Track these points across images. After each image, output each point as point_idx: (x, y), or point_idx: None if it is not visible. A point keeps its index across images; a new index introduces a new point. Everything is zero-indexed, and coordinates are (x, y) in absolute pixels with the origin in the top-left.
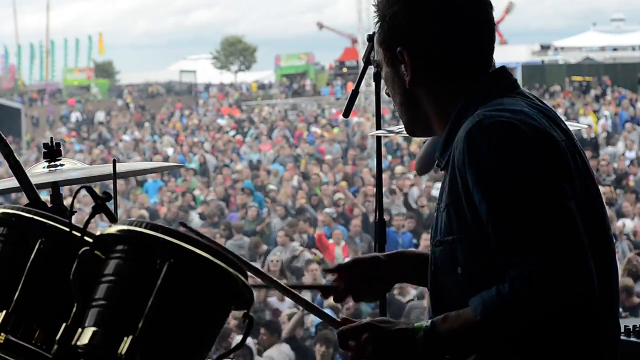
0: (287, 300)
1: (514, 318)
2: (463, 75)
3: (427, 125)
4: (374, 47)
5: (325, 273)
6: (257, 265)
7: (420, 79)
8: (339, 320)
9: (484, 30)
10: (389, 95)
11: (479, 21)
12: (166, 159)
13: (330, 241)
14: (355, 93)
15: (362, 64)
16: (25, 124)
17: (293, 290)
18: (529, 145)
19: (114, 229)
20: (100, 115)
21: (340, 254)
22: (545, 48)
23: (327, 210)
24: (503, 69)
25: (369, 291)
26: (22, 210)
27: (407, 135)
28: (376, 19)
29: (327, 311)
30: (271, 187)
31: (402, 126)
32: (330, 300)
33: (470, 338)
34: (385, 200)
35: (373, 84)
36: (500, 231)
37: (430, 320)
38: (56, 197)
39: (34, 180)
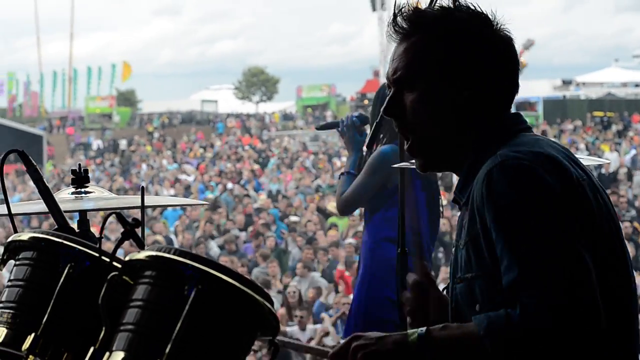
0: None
1: (518, 340)
2: (489, 112)
3: (453, 158)
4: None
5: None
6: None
7: (476, 109)
8: (329, 350)
9: (514, 65)
10: (405, 130)
11: (513, 61)
12: (187, 187)
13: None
14: (378, 125)
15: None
16: (47, 150)
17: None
18: (545, 189)
19: (142, 254)
20: (122, 144)
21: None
22: (567, 83)
23: (350, 240)
24: (519, 114)
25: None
26: (52, 235)
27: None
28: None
29: None
30: (292, 218)
31: None
32: None
33: (467, 351)
34: None
35: None
36: (511, 268)
37: (425, 327)
38: (83, 223)
39: (61, 207)
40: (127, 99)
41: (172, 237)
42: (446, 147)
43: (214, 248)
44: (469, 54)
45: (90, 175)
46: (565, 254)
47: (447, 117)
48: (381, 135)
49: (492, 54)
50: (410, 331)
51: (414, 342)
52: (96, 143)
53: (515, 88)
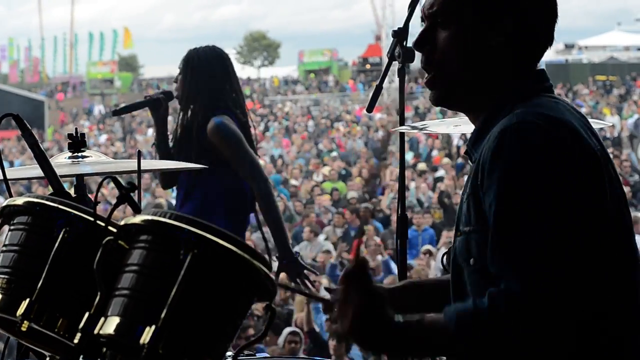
0: None
1: (489, 335)
2: (505, 67)
3: (472, 102)
4: (400, 43)
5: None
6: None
7: (508, 57)
8: (328, 299)
9: (554, 23)
10: (431, 67)
11: (553, 13)
12: None
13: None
14: (379, 88)
15: (385, 61)
16: (49, 116)
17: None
18: (561, 159)
19: (137, 218)
20: None
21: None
22: (569, 47)
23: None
24: (544, 71)
25: None
26: (47, 200)
27: (430, 131)
28: None
29: None
30: (293, 182)
31: (425, 123)
32: None
33: (442, 347)
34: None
35: (396, 80)
36: (499, 237)
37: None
38: (80, 188)
39: (58, 171)
40: (128, 64)
41: (174, 202)
42: (468, 90)
43: None
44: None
45: (92, 141)
46: (560, 238)
47: (476, 61)
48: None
49: (534, 2)
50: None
51: (398, 320)
52: (98, 108)
53: (550, 42)
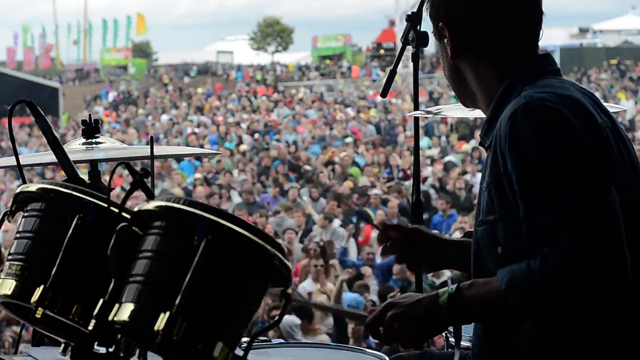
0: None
1: (538, 293)
2: (507, 54)
3: (474, 100)
4: (413, 27)
5: (385, 229)
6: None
7: (461, 55)
8: (364, 313)
9: (528, 10)
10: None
11: (521, 1)
12: (203, 138)
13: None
14: (392, 73)
15: (399, 46)
16: (63, 103)
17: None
18: (572, 133)
19: (151, 205)
20: (136, 95)
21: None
22: (583, 31)
23: (376, 191)
24: (549, 54)
25: (417, 260)
26: (61, 186)
27: (444, 115)
28: None
29: None
30: (307, 167)
31: (441, 107)
32: None
33: (494, 307)
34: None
35: (411, 65)
36: (534, 214)
37: (456, 285)
38: (94, 174)
39: (72, 157)
40: (142, 50)
41: (190, 188)
42: (463, 93)
43: (235, 198)
44: (440, 5)
45: (106, 127)
46: (592, 200)
47: (447, 70)
48: None
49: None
50: (441, 291)
51: (444, 304)
52: (111, 95)
53: (535, 29)
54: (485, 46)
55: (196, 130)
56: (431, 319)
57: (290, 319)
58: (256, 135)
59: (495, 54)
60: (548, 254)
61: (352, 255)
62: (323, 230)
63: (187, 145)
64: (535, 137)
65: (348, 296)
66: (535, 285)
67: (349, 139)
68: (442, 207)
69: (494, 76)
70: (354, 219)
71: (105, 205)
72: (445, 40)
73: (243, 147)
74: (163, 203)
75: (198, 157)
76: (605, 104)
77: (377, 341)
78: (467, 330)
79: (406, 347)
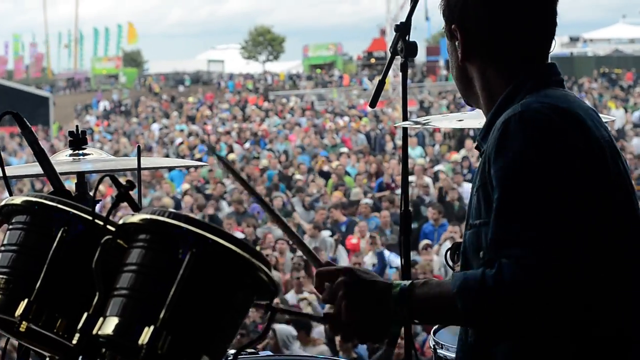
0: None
1: (488, 302)
2: (516, 61)
3: (477, 101)
4: (402, 37)
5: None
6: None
7: (471, 57)
8: (321, 261)
9: (542, 19)
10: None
11: (535, 9)
12: (193, 148)
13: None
14: (381, 83)
15: (390, 55)
16: (54, 112)
17: (284, 219)
18: (563, 147)
19: (136, 217)
20: (127, 105)
21: (365, 246)
22: (574, 40)
23: (366, 200)
24: (554, 64)
25: None
26: (45, 199)
27: (433, 126)
28: None
29: None
30: (297, 177)
31: (429, 117)
32: None
33: (442, 309)
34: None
35: (400, 74)
36: (500, 221)
37: (411, 281)
38: (81, 185)
39: (59, 169)
40: (133, 59)
41: (179, 197)
42: (467, 94)
43: (225, 208)
44: (454, 5)
45: (97, 136)
46: (563, 221)
47: (454, 70)
48: None
49: (515, 6)
50: (395, 282)
51: (395, 296)
52: (102, 104)
53: (546, 39)
54: (495, 51)
55: (187, 139)
56: (379, 306)
57: (287, 330)
58: (247, 145)
59: (504, 59)
60: (506, 266)
61: (343, 263)
62: (312, 240)
63: (178, 154)
64: (523, 145)
65: None
66: (486, 293)
67: (344, 149)
68: (434, 216)
69: (500, 81)
70: (343, 228)
71: (90, 218)
72: (457, 42)
73: (232, 156)
74: (148, 216)
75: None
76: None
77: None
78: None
79: (345, 323)
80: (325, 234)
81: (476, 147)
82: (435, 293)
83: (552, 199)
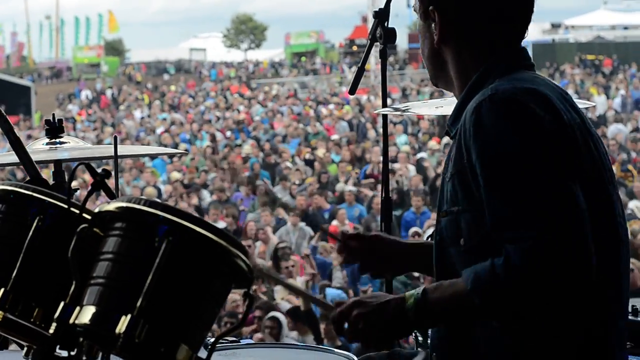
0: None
1: (504, 291)
2: (490, 45)
3: (449, 83)
4: (381, 24)
5: (344, 239)
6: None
7: (447, 40)
8: (331, 304)
9: (521, 4)
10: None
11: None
12: (175, 136)
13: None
14: (361, 70)
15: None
16: (36, 102)
17: (288, 282)
18: (537, 126)
19: (112, 206)
20: (109, 94)
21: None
22: (555, 27)
23: (349, 187)
24: (524, 49)
25: (378, 267)
26: (21, 187)
27: (413, 112)
28: None
29: None
30: (282, 165)
31: (409, 104)
32: None
33: (460, 308)
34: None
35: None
36: (496, 206)
37: (422, 288)
38: (58, 174)
39: (36, 157)
40: (114, 48)
41: (161, 186)
42: (438, 75)
43: (206, 197)
44: None
45: (79, 125)
46: (555, 193)
47: (427, 51)
48: None
49: None
50: (407, 294)
51: (411, 308)
52: (84, 93)
53: (522, 24)
54: (472, 34)
55: (169, 128)
56: (397, 321)
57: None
58: (229, 133)
59: (481, 42)
60: (511, 250)
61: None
62: (293, 229)
63: (160, 143)
64: (499, 128)
65: (332, 292)
66: (499, 282)
67: (332, 137)
68: (417, 204)
69: (475, 65)
70: (326, 215)
71: (66, 206)
72: (433, 25)
73: (206, 144)
74: (123, 204)
75: (171, 155)
76: (576, 101)
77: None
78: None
79: (371, 347)
80: (303, 224)
81: (446, 133)
82: (449, 294)
83: (534, 175)
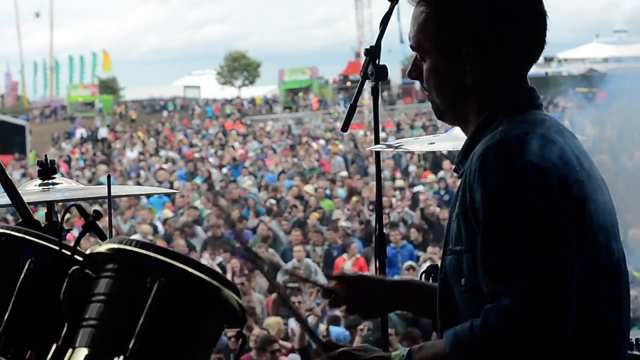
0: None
1: (481, 353)
2: (513, 84)
3: (461, 120)
4: (372, 61)
5: (329, 279)
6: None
7: (481, 80)
8: (323, 341)
9: (535, 39)
10: (425, 90)
11: (534, 27)
12: (171, 174)
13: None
14: (353, 107)
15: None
16: (30, 141)
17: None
18: (543, 179)
19: (104, 247)
20: (103, 132)
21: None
22: (548, 60)
23: (343, 224)
24: (533, 88)
25: (365, 308)
26: (12, 229)
27: (405, 149)
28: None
29: None
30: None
31: (400, 141)
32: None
33: None
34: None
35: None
36: (487, 256)
37: (407, 349)
38: (50, 215)
39: (28, 199)
40: (108, 86)
41: (158, 224)
42: (450, 112)
43: (200, 234)
44: (466, 29)
45: (73, 164)
46: (547, 255)
47: (448, 90)
48: None
49: (495, 29)
50: (394, 354)
51: None
52: (79, 132)
53: (526, 62)
54: (506, 76)
55: (164, 166)
56: None
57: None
58: (224, 170)
59: (509, 83)
60: (490, 312)
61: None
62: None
63: (157, 180)
64: (503, 176)
65: (336, 330)
66: (477, 345)
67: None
68: (395, 238)
69: (496, 105)
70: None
71: (57, 248)
72: (468, 65)
73: (197, 181)
74: (115, 245)
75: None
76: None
77: None
78: None
79: None
80: (309, 260)
81: (454, 170)
82: (431, 355)
83: (530, 231)
